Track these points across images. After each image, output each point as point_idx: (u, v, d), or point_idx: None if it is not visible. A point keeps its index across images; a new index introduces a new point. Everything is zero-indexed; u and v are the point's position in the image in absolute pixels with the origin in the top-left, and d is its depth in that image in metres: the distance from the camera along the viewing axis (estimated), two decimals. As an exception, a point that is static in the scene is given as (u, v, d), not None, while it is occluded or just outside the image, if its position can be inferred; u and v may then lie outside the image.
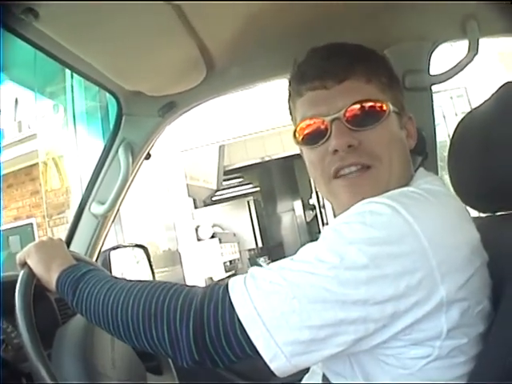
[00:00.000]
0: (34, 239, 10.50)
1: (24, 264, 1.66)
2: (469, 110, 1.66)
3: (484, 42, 2.07)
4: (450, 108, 8.83)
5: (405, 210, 1.19)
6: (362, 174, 1.42)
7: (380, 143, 1.43)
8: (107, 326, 1.40)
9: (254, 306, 1.16)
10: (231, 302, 1.19)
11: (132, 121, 2.44)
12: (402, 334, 1.19)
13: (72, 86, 7.66)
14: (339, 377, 1.43)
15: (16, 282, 1.60)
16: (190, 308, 1.23)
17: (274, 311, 1.15)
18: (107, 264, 2.41)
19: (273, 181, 15.20)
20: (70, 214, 10.66)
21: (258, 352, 1.16)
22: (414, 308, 1.16)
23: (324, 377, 1.55)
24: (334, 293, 1.13)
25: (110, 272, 2.37)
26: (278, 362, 1.16)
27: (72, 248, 2.46)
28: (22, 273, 1.63)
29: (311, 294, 1.14)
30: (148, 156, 2.58)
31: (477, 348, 1.26)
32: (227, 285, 1.24)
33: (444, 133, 6.95)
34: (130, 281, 1.43)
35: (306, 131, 1.50)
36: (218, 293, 1.23)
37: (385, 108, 1.44)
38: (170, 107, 2.38)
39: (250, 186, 15.85)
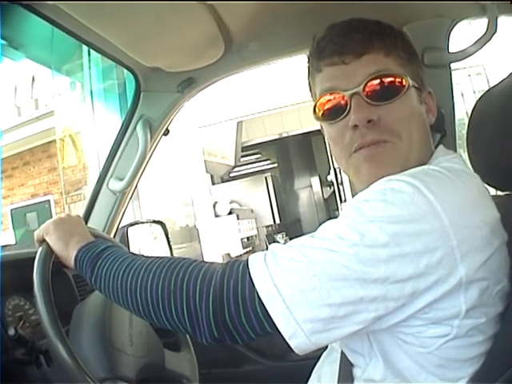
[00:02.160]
0: (51, 216, 10.61)
1: (42, 241, 1.66)
2: (487, 88, 1.65)
3: (503, 21, 2.05)
4: (468, 86, 8.81)
5: (426, 188, 1.18)
6: (381, 149, 1.41)
7: (400, 118, 1.42)
8: (126, 303, 1.39)
9: (274, 283, 1.16)
10: (251, 279, 1.19)
11: (150, 97, 2.44)
12: (421, 312, 1.19)
13: (89, 63, 7.67)
14: (357, 354, 1.43)
15: (34, 258, 1.60)
16: (209, 285, 1.22)
17: (293, 288, 1.14)
18: (125, 240, 2.42)
19: (290, 157, 15.29)
20: (88, 191, 10.72)
21: (277, 329, 1.16)
22: (434, 287, 1.15)
23: (342, 354, 1.55)
24: (354, 270, 1.13)
25: (128, 248, 2.38)
26: (297, 339, 1.15)
27: (90, 224, 2.47)
28: (40, 250, 1.63)
29: (331, 272, 1.13)
30: (166, 132, 2.57)
31: (495, 327, 1.25)
32: (247, 261, 1.24)
33: (462, 111, 6.93)
34: (149, 257, 1.43)
35: (326, 106, 1.49)
36: (237, 269, 1.23)
37: (404, 82, 1.43)
38: (188, 83, 2.37)
39: (268, 162, 15.89)
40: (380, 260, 1.13)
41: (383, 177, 1.28)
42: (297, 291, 1.14)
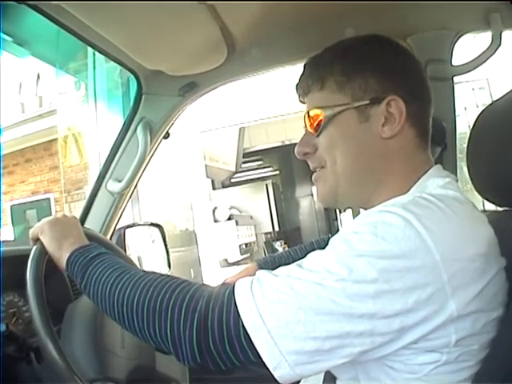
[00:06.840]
0: (50, 214, 10.62)
1: (37, 239, 1.66)
2: (490, 102, 1.64)
3: (508, 35, 2.05)
4: (471, 100, 8.81)
5: (418, 222, 1.17)
6: (319, 173, 1.57)
7: (325, 148, 1.51)
8: (113, 314, 1.39)
9: (259, 314, 1.16)
10: (237, 308, 1.19)
11: (152, 100, 2.45)
12: (409, 344, 1.18)
13: (94, 63, 7.66)
14: (342, 382, 1.43)
15: (29, 256, 1.60)
16: (194, 311, 1.22)
17: (279, 320, 1.14)
18: (122, 241, 2.42)
19: (292, 165, 15.26)
20: (88, 191, 10.72)
21: (261, 359, 1.16)
22: (423, 322, 1.15)
23: (326, 376, 1.55)
24: (341, 305, 1.12)
25: (125, 249, 2.38)
26: (281, 370, 1.15)
27: (87, 224, 2.48)
28: (34, 249, 1.63)
29: (317, 306, 1.13)
30: (167, 135, 2.57)
31: (487, 351, 1.24)
32: (233, 288, 1.23)
33: (465, 124, 6.92)
34: (139, 271, 1.43)
35: None
36: (223, 296, 1.22)
37: (320, 117, 1.50)
38: (190, 87, 2.38)
39: (270, 168, 15.88)
40: (368, 296, 1.12)
41: (325, 196, 1.54)
42: (282, 323, 1.14)
